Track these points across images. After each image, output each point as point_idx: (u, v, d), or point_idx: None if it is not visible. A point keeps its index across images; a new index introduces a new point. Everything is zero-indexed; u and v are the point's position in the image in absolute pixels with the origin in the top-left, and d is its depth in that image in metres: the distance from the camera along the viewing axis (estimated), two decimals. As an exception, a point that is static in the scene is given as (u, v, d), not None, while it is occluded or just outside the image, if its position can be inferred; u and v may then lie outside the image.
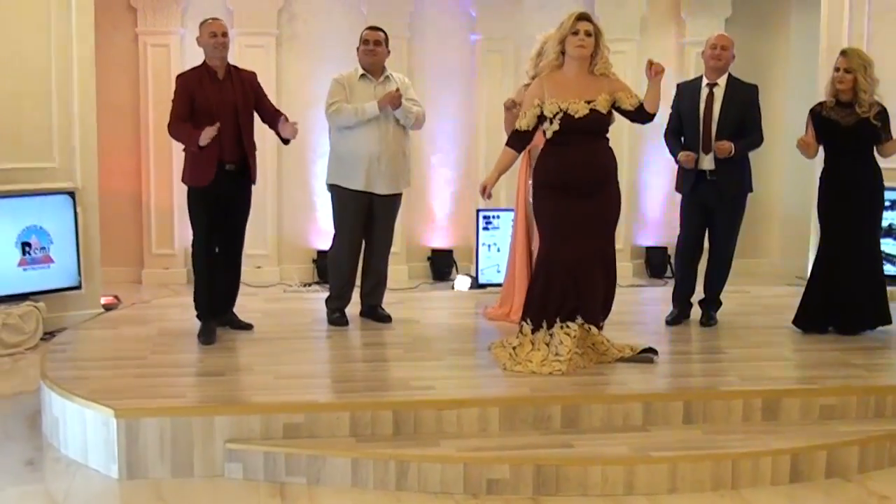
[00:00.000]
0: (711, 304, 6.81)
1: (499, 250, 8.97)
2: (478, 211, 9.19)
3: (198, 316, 6.35)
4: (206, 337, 6.18)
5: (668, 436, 5.07)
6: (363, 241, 6.77)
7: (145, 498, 4.69)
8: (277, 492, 4.73)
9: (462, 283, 9.32)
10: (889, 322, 6.53)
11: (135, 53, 9.52)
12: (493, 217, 9.12)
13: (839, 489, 4.82)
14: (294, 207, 9.87)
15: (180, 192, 9.35)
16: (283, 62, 9.73)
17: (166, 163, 9.45)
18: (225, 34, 6.18)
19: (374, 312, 6.81)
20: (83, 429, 5.03)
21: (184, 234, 9.60)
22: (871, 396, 5.39)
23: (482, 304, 7.26)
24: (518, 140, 5.81)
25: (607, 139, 5.78)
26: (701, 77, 6.71)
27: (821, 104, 6.54)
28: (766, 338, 6.47)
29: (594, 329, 5.73)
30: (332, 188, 6.72)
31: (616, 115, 5.82)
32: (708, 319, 6.75)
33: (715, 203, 6.61)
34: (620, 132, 9.89)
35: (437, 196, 10.09)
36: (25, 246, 7.41)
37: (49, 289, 7.54)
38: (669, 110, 6.81)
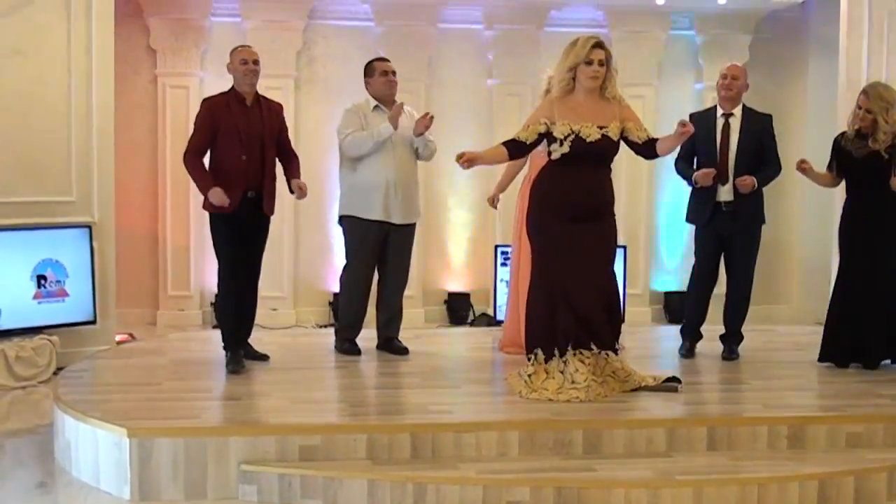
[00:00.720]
0: (733, 337, 6.71)
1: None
2: (496, 247, 9.13)
3: (225, 347, 6.21)
4: (235, 366, 6.05)
5: (693, 461, 4.96)
6: (376, 273, 6.73)
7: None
8: (293, 514, 4.64)
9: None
10: None
11: (154, 94, 9.57)
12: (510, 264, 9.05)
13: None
14: (310, 250, 9.84)
15: (197, 233, 9.42)
16: (302, 104, 9.77)
17: (183, 204, 9.46)
18: (256, 62, 6.17)
19: (390, 345, 6.73)
20: (95, 450, 4.94)
21: (200, 275, 9.61)
22: (899, 424, 5.28)
23: (497, 338, 7.18)
24: (514, 147, 5.66)
25: (610, 169, 5.75)
26: (715, 107, 6.69)
27: (842, 134, 6.52)
28: (789, 370, 6.38)
29: (611, 355, 5.62)
30: (347, 219, 6.68)
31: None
32: (730, 353, 6.65)
33: (732, 234, 6.57)
34: (639, 177, 9.97)
35: (454, 239, 10.06)
36: (41, 279, 7.38)
37: (63, 323, 7.49)
38: None
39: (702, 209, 6.62)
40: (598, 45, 5.54)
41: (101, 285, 7.74)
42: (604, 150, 5.58)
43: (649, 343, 7.30)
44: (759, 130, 6.60)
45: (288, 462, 4.83)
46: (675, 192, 9.25)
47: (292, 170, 6.36)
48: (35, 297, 7.37)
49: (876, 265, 6.36)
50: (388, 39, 9.70)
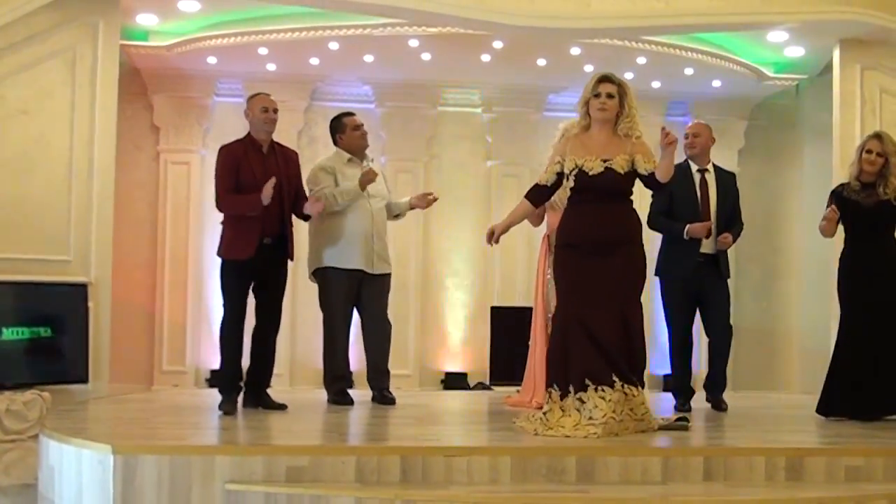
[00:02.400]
0: (719, 388, 6.74)
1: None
2: (492, 308, 9.11)
3: (221, 389, 6.15)
4: (228, 407, 5.97)
5: (688, 488, 4.84)
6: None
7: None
8: (278, 534, 4.51)
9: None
10: None
11: (155, 171, 9.70)
12: (507, 315, 9.04)
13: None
14: (307, 327, 9.78)
15: (195, 309, 9.42)
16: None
17: (182, 279, 9.50)
18: (276, 110, 6.20)
19: (380, 396, 6.69)
20: (79, 472, 4.82)
21: (195, 352, 9.57)
22: (900, 458, 5.16)
23: (498, 398, 7.10)
24: (536, 193, 5.73)
25: (630, 201, 5.65)
26: (687, 162, 6.74)
27: (842, 185, 6.54)
28: (786, 415, 6.29)
29: (634, 390, 5.48)
30: (322, 271, 6.69)
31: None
32: (719, 406, 6.61)
33: (710, 286, 6.63)
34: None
35: (452, 320, 10.04)
36: (34, 335, 7.34)
37: (55, 380, 7.41)
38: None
39: (683, 262, 6.64)
40: (606, 78, 5.59)
41: (95, 345, 7.72)
42: (609, 183, 5.51)
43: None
44: (729, 186, 6.77)
45: (274, 483, 4.71)
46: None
47: (300, 205, 6.34)
48: (28, 352, 7.31)
49: (879, 315, 6.30)
50: (388, 120, 9.87)
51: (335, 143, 6.83)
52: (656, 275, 6.82)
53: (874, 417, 6.26)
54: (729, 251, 6.77)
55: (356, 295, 6.63)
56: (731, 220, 6.70)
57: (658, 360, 10.19)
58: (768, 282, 10.51)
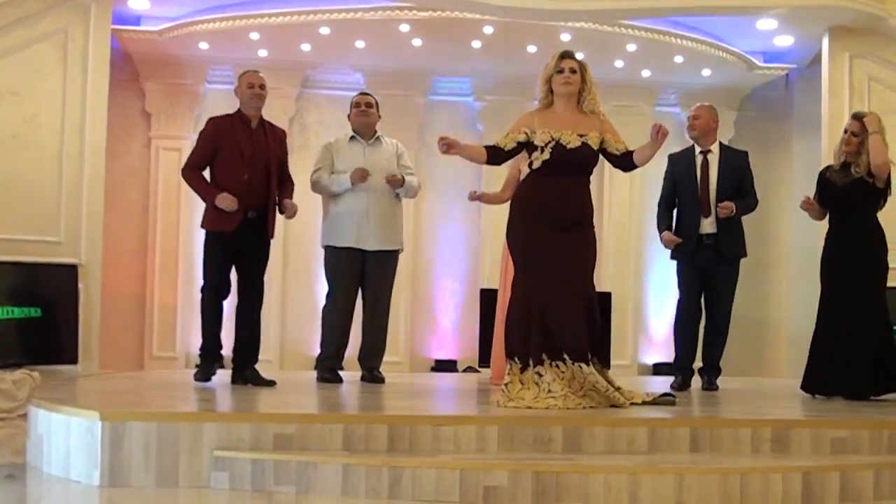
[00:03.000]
0: (712, 370, 6.72)
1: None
2: (481, 291, 9.13)
3: (200, 357, 6.30)
4: (203, 374, 6.10)
5: (674, 457, 4.87)
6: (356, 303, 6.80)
7: None
8: (266, 499, 4.51)
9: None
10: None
11: (147, 158, 9.70)
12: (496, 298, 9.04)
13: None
14: (298, 314, 9.83)
15: (185, 295, 9.42)
16: (292, 170, 9.80)
17: (172, 265, 9.50)
18: (263, 86, 6.29)
19: (370, 375, 6.70)
20: (67, 440, 4.83)
21: (186, 337, 9.56)
22: (885, 431, 5.16)
23: (485, 379, 7.13)
24: (493, 152, 5.73)
25: (589, 179, 5.74)
26: (692, 146, 6.81)
27: (827, 167, 6.62)
28: (773, 394, 6.32)
29: (584, 367, 5.48)
30: (325, 249, 6.79)
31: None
32: (709, 384, 6.65)
33: (713, 267, 6.64)
34: (627, 250, 10.05)
35: (442, 307, 10.05)
36: (25, 316, 7.34)
37: (45, 361, 7.41)
38: (662, 181, 6.91)
39: (686, 243, 6.68)
40: (567, 55, 5.70)
41: (85, 327, 7.72)
42: (583, 158, 5.61)
43: (637, 387, 7.20)
44: (737, 166, 6.77)
45: (262, 450, 4.73)
46: (662, 264, 9.28)
47: (286, 191, 6.40)
48: (17, 333, 7.31)
49: (858, 294, 6.35)
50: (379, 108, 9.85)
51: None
52: (671, 258, 6.88)
53: (854, 396, 6.29)
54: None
55: (358, 273, 6.64)
56: (738, 198, 6.69)
57: (646, 350, 10.25)
58: (758, 271, 10.50)
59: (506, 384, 5.56)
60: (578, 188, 5.66)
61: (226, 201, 5.96)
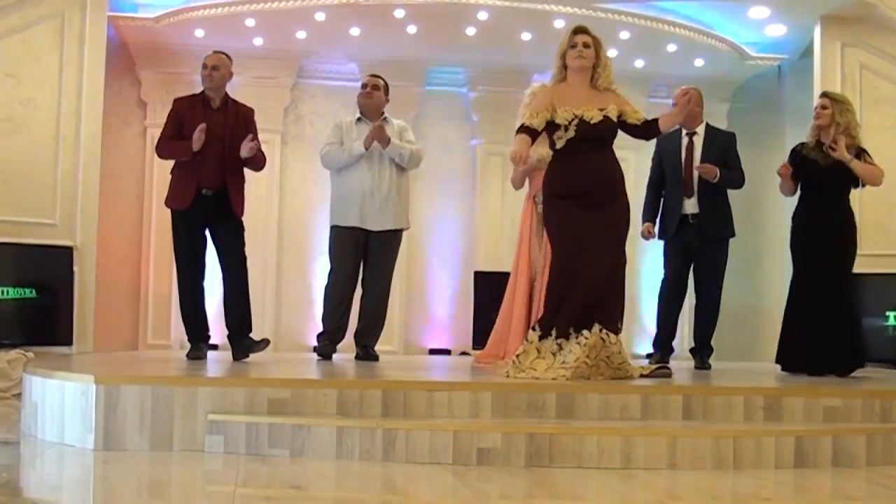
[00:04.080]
0: (704, 349, 6.76)
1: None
2: (475, 273, 9.15)
3: (188, 339, 6.34)
4: (194, 353, 6.14)
5: (667, 424, 4.89)
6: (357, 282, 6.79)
7: (118, 467, 4.42)
8: (260, 463, 4.51)
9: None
10: (860, 365, 6.43)
11: (142, 146, 9.71)
12: (491, 280, 9.06)
13: (847, 475, 4.56)
14: (292, 303, 9.84)
15: (179, 283, 9.42)
16: (288, 161, 9.92)
17: (167, 253, 9.38)
18: (215, 67, 6.33)
19: (364, 353, 6.71)
20: (61, 405, 4.85)
21: (180, 325, 9.51)
22: (877, 399, 5.20)
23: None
24: (529, 131, 5.65)
25: (612, 150, 5.75)
26: (679, 129, 6.84)
27: (801, 144, 6.66)
28: (765, 371, 6.34)
29: (612, 337, 5.53)
30: (330, 228, 6.82)
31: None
32: (702, 363, 6.67)
33: (699, 247, 6.69)
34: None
35: (437, 297, 10.08)
36: (20, 296, 7.36)
37: (40, 342, 7.42)
38: (650, 162, 6.97)
39: (669, 222, 6.73)
40: (581, 30, 5.73)
41: (80, 309, 7.72)
42: (606, 131, 5.64)
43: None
44: (723, 147, 6.83)
45: (257, 414, 4.75)
46: (655, 255, 9.31)
47: (252, 162, 6.39)
48: (12, 313, 7.33)
49: (830, 269, 6.40)
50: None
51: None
52: (658, 237, 6.93)
53: (823, 373, 6.30)
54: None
55: (361, 252, 6.69)
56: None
57: (642, 340, 10.25)
58: (750, 261, 10.56)
59: (517, 355, 5.58)
60: (607, 159, 5.68)
61: (196, 135, 6.03)
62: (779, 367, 6.52)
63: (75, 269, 7.68)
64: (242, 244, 6.38)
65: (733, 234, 6.82)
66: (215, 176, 6.19)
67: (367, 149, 6.62)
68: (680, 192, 6.72)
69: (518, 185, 7.00)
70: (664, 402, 5.05)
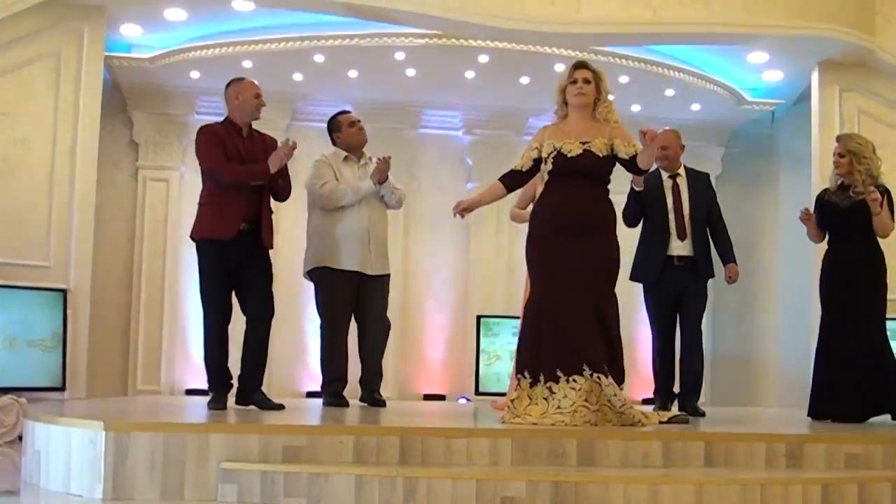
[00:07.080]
0: (692, 394, 6.68)
1: (499, 358, 8.77)
2: (478, 318, 9.05)
3: (210, 388, 5.94)
4: (217, 403, 5.77)
5: (690, 471, 4.79)
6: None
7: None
8: (275, 513, 4.38)
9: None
10: None
11: (133, 188, 9.60)
12: (493, 324, 8.97)
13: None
14: (285, 350, 9.67)
15: (170, 327, 9.29)
16: (280, 203, 9.78)
17: (158, 297, 9.37)
18: (260, 94, 6.03)
19: (371, 398, 6.59)
20: (67, 452, 4.68)
21: (170, 371, 9.40)
22: (899, 446, 5.14)
23: (484, 403, 7.03)
24: (510, 177, 5.67)
25: (606, 188, 5.59)
26: (658, 170, 6.74)
27: (825, 190, 6.65)
28: (779, 417, 6.28)
29: (604, 379, 5.36)
30: (319, 272, 6.58)
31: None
32: (695, 410, 6.55)
33: (684, 289, 6.61)
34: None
35: (431, 342, 9.97)
36: (12, 340, 7.19)
37: (32, 386, 7.24)
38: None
39: (652, 266, 6.65)
40: (581, 65, 5.64)
41: (73, 352, 7.56)
42: (587, 165, 5.46)
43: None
44: (704, 187, 6.81)
45: (271, 462, 4.60)
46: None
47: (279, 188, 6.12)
48: (5, 357, 7.15)
49: (859, 317, 6.34)
50: (369, 142, 9.82)
51: (333, 143, 6.82)
52: (630, 278, 6.80)
53: (856, 420, 6.24)
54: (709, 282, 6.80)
55: (355, 297, 6.51)
56: (709, 223, 6.69)
57: (637, 385, 10.15)
58: (746, 308, 10.54)
59: (512, 400, 5.46)
60: (585, 194, 5.50)
61: (283, 153, 5.72)
62: (811, 418, 6.40)
63: (69, 312, 7.51)
64: (271, 284, 6.05)
65: (713, 275, 6.81)
66: (252, 207, 5.84)
67: (379, 185, 6.51)
68: (665, 235, 6.62)
69: (519, 219, 6.92)
70: (685, 450, 4.94)
